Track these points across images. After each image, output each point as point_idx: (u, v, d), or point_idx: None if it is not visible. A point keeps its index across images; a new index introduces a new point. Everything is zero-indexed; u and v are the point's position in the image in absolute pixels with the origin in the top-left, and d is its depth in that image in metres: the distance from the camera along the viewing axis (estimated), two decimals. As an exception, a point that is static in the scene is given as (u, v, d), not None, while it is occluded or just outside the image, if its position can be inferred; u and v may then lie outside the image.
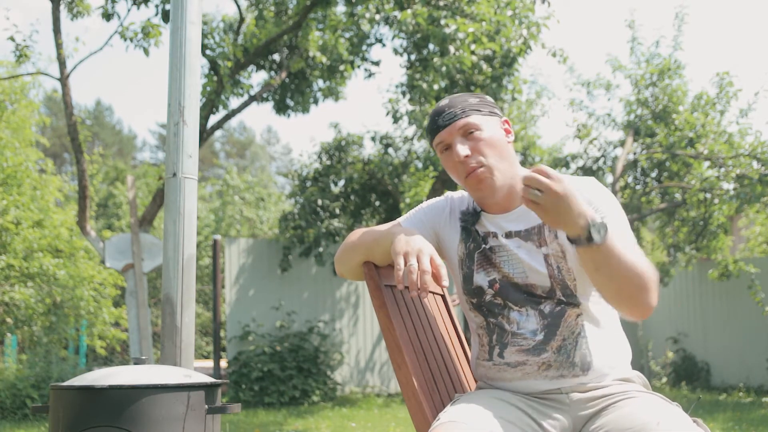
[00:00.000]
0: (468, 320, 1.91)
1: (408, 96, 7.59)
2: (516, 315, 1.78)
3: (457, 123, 1.79)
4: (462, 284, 1.86)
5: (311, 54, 8.71)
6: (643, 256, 1.68)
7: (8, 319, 10.20)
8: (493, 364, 1.81)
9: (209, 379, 1.68)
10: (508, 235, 1.81)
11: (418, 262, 1.63)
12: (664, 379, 10.37)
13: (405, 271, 1.63)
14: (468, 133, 1.79)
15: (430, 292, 2.13)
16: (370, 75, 9.01)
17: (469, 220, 1.86)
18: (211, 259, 14.63)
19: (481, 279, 1.82)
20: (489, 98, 1.85)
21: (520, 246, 1.79)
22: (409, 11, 7.24)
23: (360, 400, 8.80)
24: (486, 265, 1.82)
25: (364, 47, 8.69)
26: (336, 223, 9.46)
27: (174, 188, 2.07)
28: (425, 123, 1.84)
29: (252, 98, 8.89)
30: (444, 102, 1.84)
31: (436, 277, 1.65)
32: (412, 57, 7.75)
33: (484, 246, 1.83)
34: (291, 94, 9.34)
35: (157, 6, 7.36)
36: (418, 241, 1.69)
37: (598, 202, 1.76)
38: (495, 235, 1.82)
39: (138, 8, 7.40)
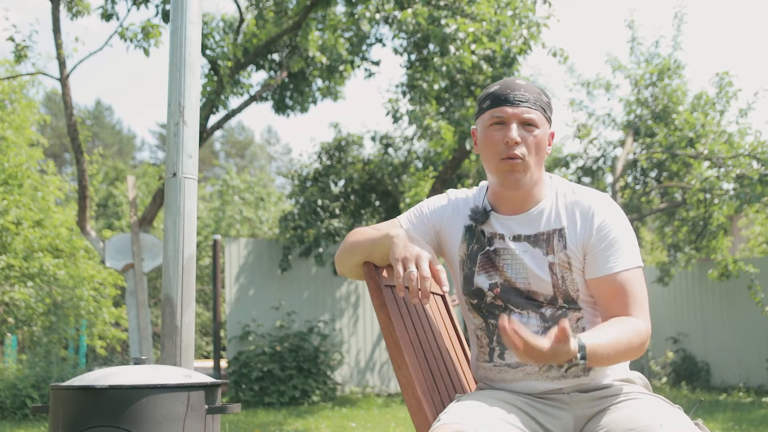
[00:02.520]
0: (466, 321, 1.90)
1: (408, 96, 7.58)
2: (517, 317, 1.77)
3: (525, 110, 1.75)
4: (462, 285, 1.85)
5: (311, 54, 8.71)
6: (639, 298, 1.71)
7: (8, 319, 10.20)
8: (494, 366, 1.81)
9: (209, 379, 1.68)
10: (517, 238, 1.79)
11: (417, 268, 1.63)
12: (664, 379, 10.36)
13: (405, 277, 1.63)
14: (527, 125, 1.76)
15: (432, 293, 2.13)
16: (370, 75, 9.00)
17: (479, 218, 1.84)
18: (211, 259, 14.63)
19: (482, 281, 1.81)
20: (553, 107, 1.85)
21: (526, 251, 1.77)
22: (409, 11, 7.23)
23: (360, 400, 8.79)
24: (488, 268, 1.81)
25: (364, 47, 8.68)
26: (336, 223, 9.46)
27: (174, 188, 2.07)
28: (488, 89, 1.85)
29: (252, 98, 8.89)
30: (521, 82, 1.79)
31: (437, 281, 1.65)
32: (412, 57, 7.75)
33: (488, 248, 1.81)
34: (290, 93, 9.34)
35: (157, 6, 7.36)
36: (416, 246, 1.68)
37: (609, 226, 1.75)
38: (502, 237, 1.80)
39: (138, 8, 7.40)
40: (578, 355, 1.53)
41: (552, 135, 1.84)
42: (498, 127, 1.77)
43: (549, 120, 1.81)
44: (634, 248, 1.75)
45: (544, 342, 1.47)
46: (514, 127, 1.75)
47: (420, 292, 1.62)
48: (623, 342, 1.63)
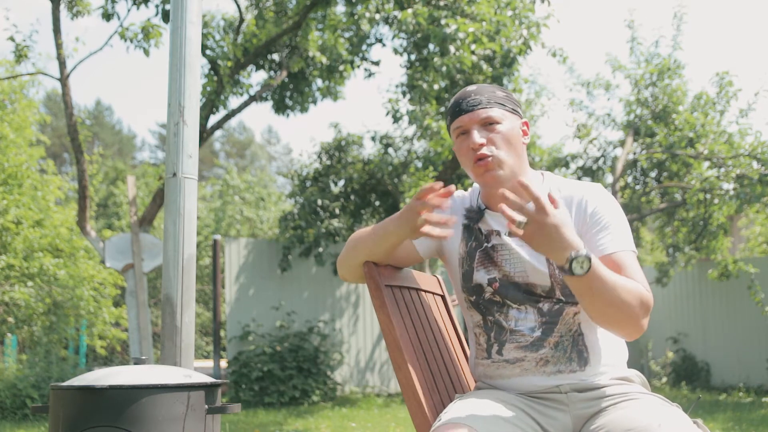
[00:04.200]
0: (465, 319, 1.91)
1: (408, 96, 7.59)
2: (515, 313, 1.79)
3: (479, 112, 1.79)
4: (461, 282, 1.87)
5: (311, 54, 8.71)
6: (638, 275, 1.68)
7: (8, 319, 10.20)
8: (492, 362, 1.82)
9: (209, 379, 1.68)
10: (512, 233, 1.81)
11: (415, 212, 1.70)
12: (664, 379, 10.36)
13: (423, 224, 1.69)
14: (487, 125, 1.79)
15: (432, 293, 2.15)
16: (370, 75, 9.00)
17: (474, 217, 1.86)
18: (211, 259, 14.63)
19: (480, 277, 1.82)
20: (515, 96, 1.85)
21: (522, 244, 1.79)
22: (409, 11, 7.23)
23: (360, 400, 8.79)
24: (487, 263, 1.82)
25: (364, 47, 8.68)
26: (336, 223, 9.46)
27: (174, 188, 2.07)
28: (447, 106, 1.91)
29: (252, 98, 8.89)
30: (471, 88, 1.84)
31: (439, 194, 1.69)
32: (412, 57, 7.75)
33: (486, 244, 1.83)
34: (290, 93, 9.34)
35: (157, 6, 7.36)
36: (405, 210, 1.74)
37: (602, 211, 1.76)
38: (498, 234, 1.83)
39: (138, 8, 7.40)
40: (583, 251, 1.53)
41: (525, 124, 1.86)
42: (463, 138, 1.82)
43: (513, 111, 1.83)
44: (627, 233, 1.76)
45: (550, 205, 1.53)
46: (474, 132, 1.79)
47: (439, 222, 1.69)
48: (624, 287, 1.60)
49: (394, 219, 1.79)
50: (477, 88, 1.83)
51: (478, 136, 1.77)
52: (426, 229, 1.69)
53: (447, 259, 1.92)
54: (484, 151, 1.77)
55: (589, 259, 1.53)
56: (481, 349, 1.85)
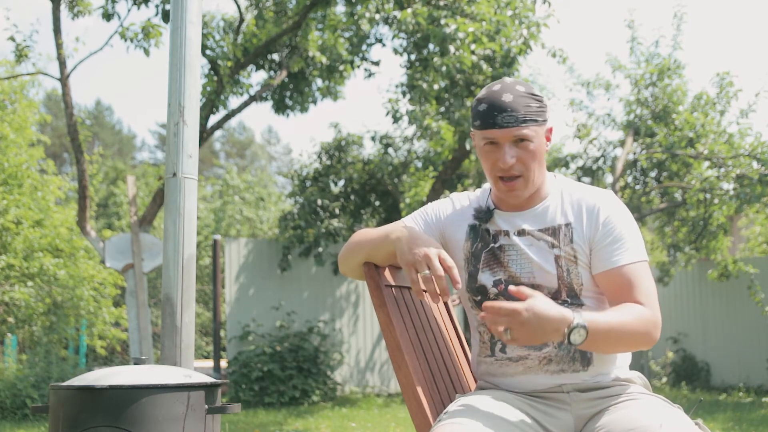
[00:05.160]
0: (469, 318, 1.92)
1: (408, 96, 7.58)
2: None
3: (514, 130, 1.74)
4: (466, 282, 1.87)
5: (311, 54, 8.71)
6: (646, 291, 1.71)
7: (8, 319, 10.20)
8: (495, 360, 1.82)
9: (209, 379, 1.68)
10: (521, 233, 1.81)
11: (429, 268, 1.65)
12: (664, 379, 10.36)
13: (422, 281, 1.67)
14: (520, 141, 1.76)
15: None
16: (370, 75, 9.00)
17: (483, 218, 1.86)
18: (211, 259, 14.63)
19: (486, 278, 1.82)
20: (546, 102, 1.81)
21: (531, 244, 1.79)
22: (409, 11, 7.23)
23: (360, 400, 8.79)
24: (493, 264, 1.82)
25: (363, 47, 8.68)
26: (336, 223, 9.46)
27: (174, 188, 2.07)
28: (476, 105, 1.81)
29: (252, 98, 8.89)
30: (507, 99, 1.74)
31: (451, 277, 1.68)
32: (412, 57, 7.75)
33: (492, 245, 1.83)
34: (290, 93, 9.34)
35: (157, 6, 7.36)
36: (422, 246, 1.69)
37: (615, 221, 1.77)
38: (507, 234, 1.82)
39: (138, 8, 7.40)
40: (575, 320, 1.54)
41: (550, 130, 1.84)
42: (491, 147, 1.78)
43: (544, 121, 1.80)
44: (639, 243, 1.77)
45: (517, 304, 1.52)
46: (506, 149, 1.75)
47: (440, 292, 1.66)
48: (627, 324, 1.63)
49: (396, 238, 1.76)
50: (513, 100, 1.74)
51: (509, 155, 1.74)
52: (416, 289, 1.70)
53: (453, 258, 1.92)
54: (514, 172, 1.76)
55: (585, 324, 1.55)
56: (485, 346, 1.85)
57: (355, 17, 7.89)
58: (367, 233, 1.88)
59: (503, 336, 1.53)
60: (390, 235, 1.78)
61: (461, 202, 1.94)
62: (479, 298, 1.84)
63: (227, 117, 8.61)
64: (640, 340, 1.66)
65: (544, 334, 1.54)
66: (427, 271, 1.65)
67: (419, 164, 10.07)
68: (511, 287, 1.57)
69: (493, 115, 1.75)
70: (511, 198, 1.80)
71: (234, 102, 19.58)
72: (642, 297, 1.70)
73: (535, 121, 1.76)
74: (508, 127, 1.74)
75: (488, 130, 1.76)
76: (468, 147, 7.63)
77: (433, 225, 1.92)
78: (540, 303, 1.54)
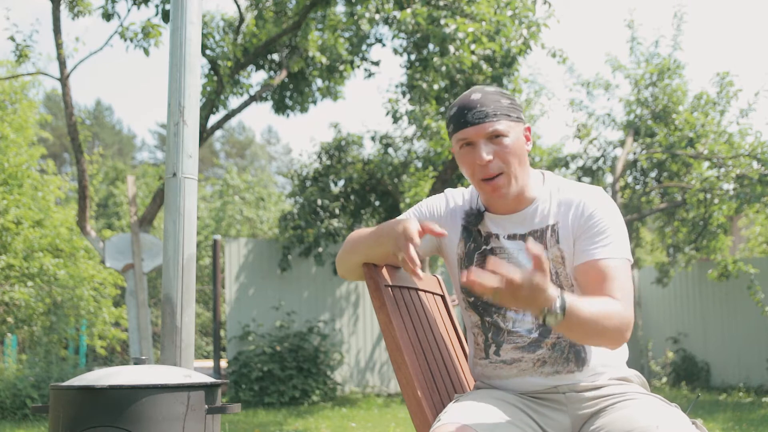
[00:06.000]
0: (464, 318, 1.92)
1: (408, 96, 7.58)
2: (512, 314, 1.79)
3: (486, 125, 1.73)
4: (459, 283, 1.86)
5: (311, 54, 8.71)
6: (620, 288, 1.65)
7: (8, 319, 10.20)
8: (489, 362, 1.82)
9: (209, 379, 1.68)
10: (512, 237, 1.81)
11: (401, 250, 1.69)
12: (664, 379, 10.36)
13: (402, 265, 1.71)
14: (494, 137, 1.74)
15: (432, 293, 2.15)
16: (370, 75, 9.01)
17: (472, 220, 1.85)
18: (211, 259, 14.63)
19: None
20: (518, 102, 1.81)
21: (521, 249, 1.78)
22: (408, 11, 7.23)
23: (360, 400, 8.79)
24: (484, 266, 1.81)
25: (363, 47, 8.68)
26: (336, 223, 9.46)
27: (174, 188, 2.07)
28: (449, 111, 1.80)
29: (252, 98, 8.89)
30: (476, 96, 1.76)
31: (433, 233, 1.70)
32: (412, 57, 7.75)
33: (484, 247, 1.83)
34: (290, 93, 9.34)
35: (157, 6, 7.36)
36: (394, 233, 1.72)
37: (598, 216, 1.74)
38: (497, 237, 1.82)
39: (138, 8, 7.40)
40: (557, 302, 1.47)
41: (528, 129, 1.82)
42: (468, 149, 1.76)
43: (518, 119, 1.78)
44: (622, 240, 1.74)
45: (518, 274, 1.42)
46: (481, 146, 1.73)
47: (412, 268, 1.67)
48: (601, 315, 1.57)
49: (388, 233, 1.76)
50: (482, 97, 1.75)
51: (485, 152, 1.72)
52: (402, 265, 1.71)
53: (446, 258, 1.92)
54: (493, 170, 1.73)
55: (564, 309, 1.48)
56: (479, 349, 1.85)
57: (355, 17, 7.89)
58: (360, 233, 1.88)
59: (490, 296, 1.47)
60: (381, 230, 1.80)
61: (455, 199, 1.92)
62: (472, 299, 1.84)
63: (227, 117, 8.61)
64: (608, 337, 1.61)
65: (527, 304, 1.47)
66: (401, 255, 1.68)
67: (419, 164, 10.07)
68: (529, 244, 1.47)
69: (463, 114, 1.75)
70: (498, 199, 1.77)
71: (234, 102, 19.57)
72: (618, 293, 1.65)
73: (508, 116, 1.75)
74: (480, 123, 1.73)
75: (461, 130, 1.75)
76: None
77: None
78: (539, 279, 1.47)
